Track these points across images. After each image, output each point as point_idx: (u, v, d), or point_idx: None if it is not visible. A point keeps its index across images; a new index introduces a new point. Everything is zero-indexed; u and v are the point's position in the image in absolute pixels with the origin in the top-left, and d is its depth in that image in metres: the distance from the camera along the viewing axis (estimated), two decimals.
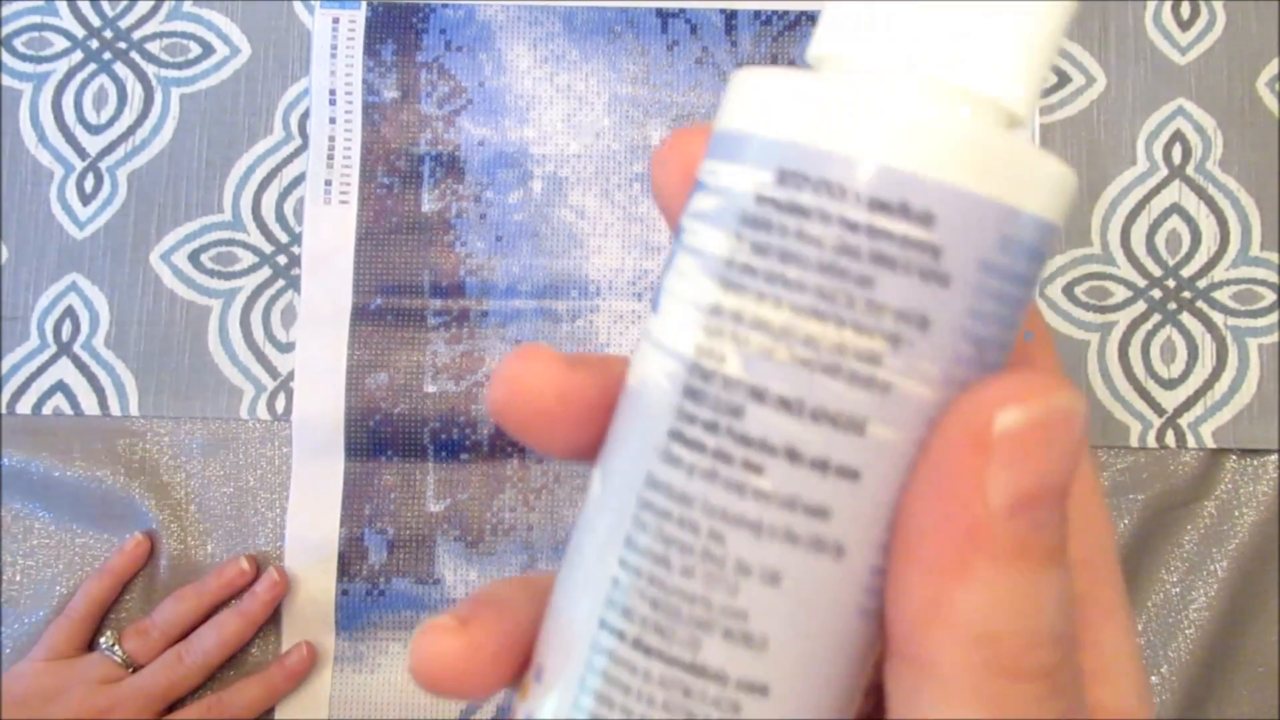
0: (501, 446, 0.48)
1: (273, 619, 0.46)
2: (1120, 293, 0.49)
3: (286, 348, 0.48)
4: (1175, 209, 0.49)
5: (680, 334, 0.14)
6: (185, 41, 0.50)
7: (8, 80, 0.50)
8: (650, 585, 0.14)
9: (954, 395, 0.13)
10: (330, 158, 0.49)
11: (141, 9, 0.50)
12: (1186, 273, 0.49)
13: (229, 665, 0.46)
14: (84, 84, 0.50)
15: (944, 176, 0.13)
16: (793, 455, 0.13)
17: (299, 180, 0.49)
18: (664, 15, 0.50)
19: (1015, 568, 0.12)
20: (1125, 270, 0.49)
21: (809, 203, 0.13)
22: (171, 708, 0.44)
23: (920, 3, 0.13)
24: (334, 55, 0.50)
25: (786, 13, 0.50)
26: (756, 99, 0.14)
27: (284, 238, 0.49)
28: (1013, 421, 0.12)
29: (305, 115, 0.49)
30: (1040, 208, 0.13)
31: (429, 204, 0.49)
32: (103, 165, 0.49)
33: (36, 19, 0.50)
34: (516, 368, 0.15)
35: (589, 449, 0.15)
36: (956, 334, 0.13)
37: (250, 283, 0.49)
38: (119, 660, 0.44)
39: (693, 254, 0.14)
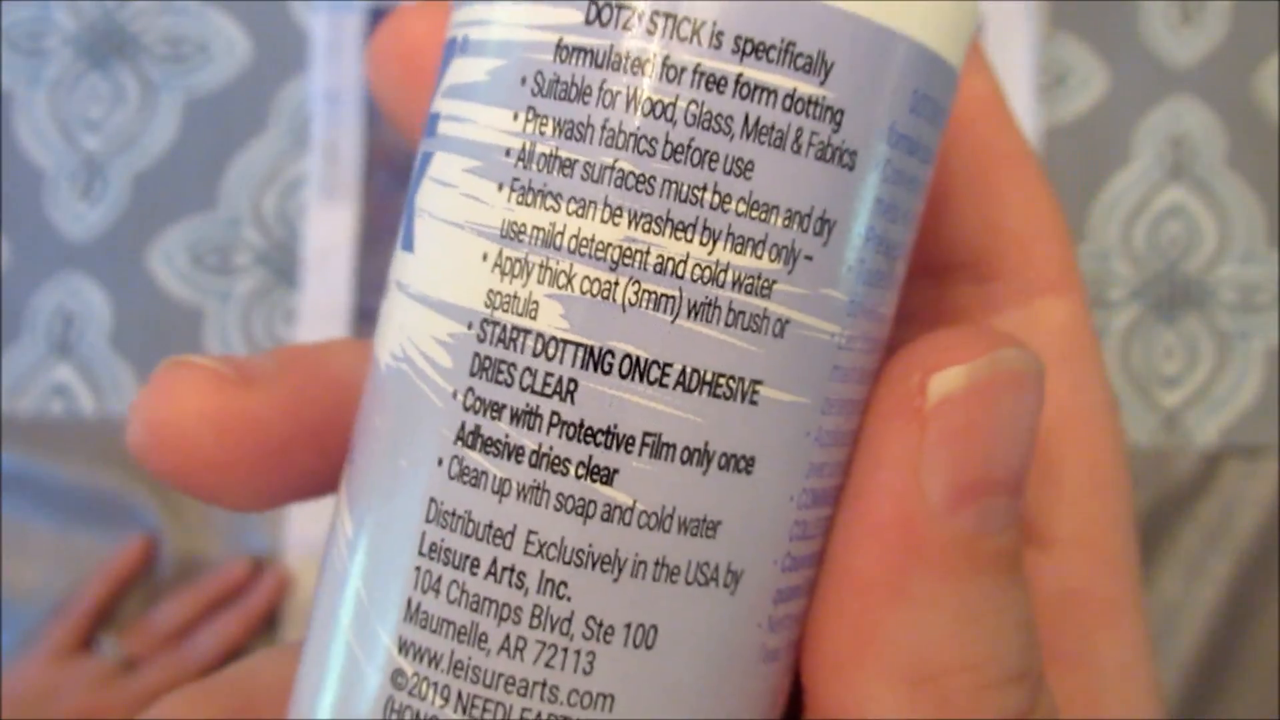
0: None
1: (272, 619, 0.46)
2: (1120, 292, 0.49)
3: None
4: (1175, 208, 0.49)
5: (455, 277, 0.09)
6: (185, 41, 0.50)
7: (6, 78, 0.50)
8: (455, 678, 0.09)
9: (864, 329, 0.09)
10: (330, 158, 0.49)
11: (142, 7, 0.50)
12: (1186, 272, 0.49)
13: (228, 666, 0.46)
14: (83, 82, 0.50)
15: (842, 1, 0.09)
16: (658, 446, 0.09)
17: (299, 180, 0.49)
18: None
19: (961, 581, 0.09)
20: (1125, 269, 0.49)
21: (643, 48, 0.08)
22: None
23: None
24: (334, 55, 0.50)
25: None
26: None
27: (284, 237, 0.49)
28: (952, 385, 0.09)
29: (305, 115, 0.49)
30: (953, 50, 0.09)
31: None
32: (102, 165, 0.49)
33: (36, 16, 0.50)
34: (154, 395, 0.10)
35: (304, 488, 0.11)
36: (865, 238, 0.09)
37: (250, 282, 0.49)
38: (119, 660, 0.44)
39: (458, 150, 0.09)
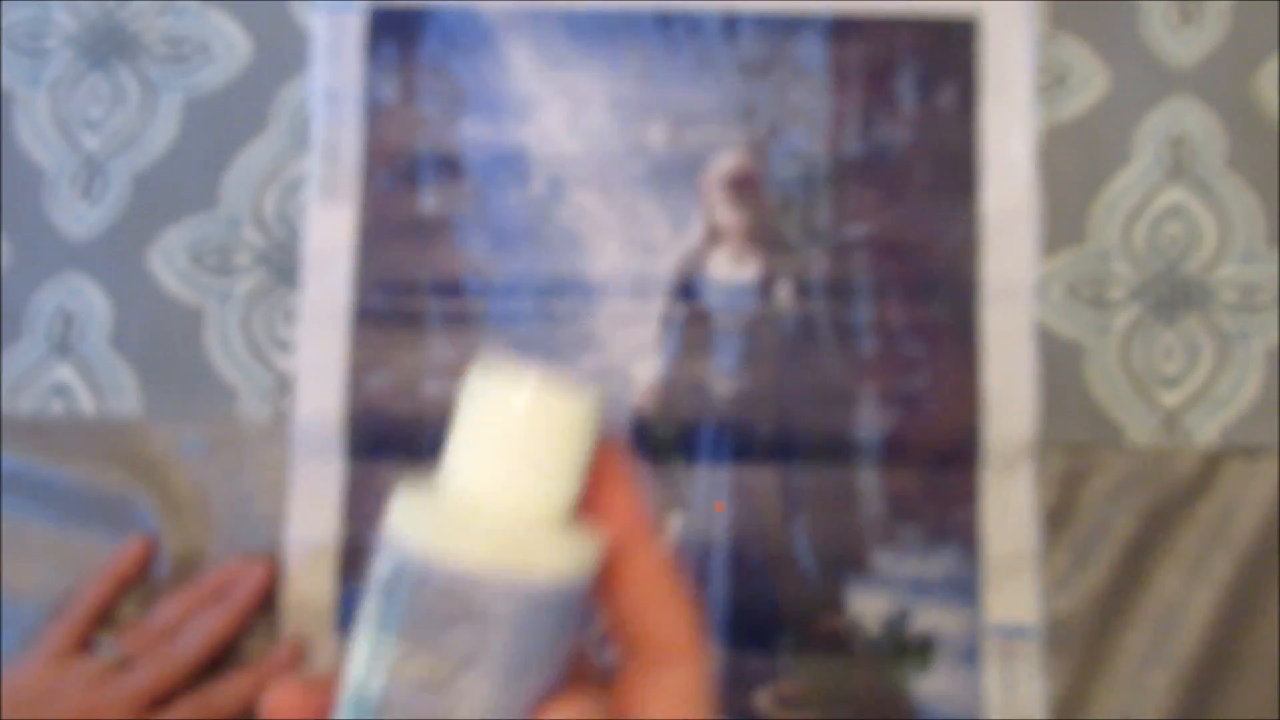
0: None
1: (272, 619, 0.46)
2: (1120, 292, 0.49)
3: (287, 348, 0.48)
4: (1175, 208, 0.49)
5: (354, 661, 0.21)
6: (185, 41, 0.50)
7: (6, 78, 0.50)
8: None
9: (514, 690, 0.20)
10: (330, 158, 0.49)
11: (141, 7, 0.50)
12: (1186, 272, 0.49)
13: (227, 666, 0.46)
14: (83, 82, 0.50)
15: (482, 559, 0.20)
16: None
17: (299, 180, 0.49)
18: (664, 17, 0.50)
19: None
20: (1125, 269, 0.49)
21: (410, 581, 0.20)
22: (165, 705, 0.44)
23: (477, 441, 0.21)
24: (334, 55, 0.50)
25: (787, 17, 0.50)
26: (393, 504, 0.21)
27: (284, 237, 0.49)
28: None
29: (305, 115, 0.49)
30: (560, 573, 0.20)
31: (429, 204, 0.49)
32: (102, 165, 0.49)
33: (36, 16, 0.50)
34: (274, 699, 0.22)
35: None
36: (507, 656, 0.20)
37: (250, 282, 0.49)
38: (116, 660, 0.44)
39: (365, 605, 0.21)
